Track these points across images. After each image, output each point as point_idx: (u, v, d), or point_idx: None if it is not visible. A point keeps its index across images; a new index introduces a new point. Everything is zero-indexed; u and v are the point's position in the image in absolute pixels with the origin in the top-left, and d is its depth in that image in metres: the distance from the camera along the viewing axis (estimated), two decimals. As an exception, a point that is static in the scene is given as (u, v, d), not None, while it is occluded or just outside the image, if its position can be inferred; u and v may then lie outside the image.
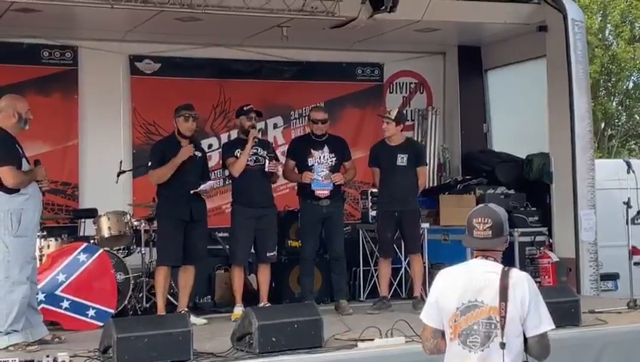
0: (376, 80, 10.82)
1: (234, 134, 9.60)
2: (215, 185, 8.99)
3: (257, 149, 7.92)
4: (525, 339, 3.67)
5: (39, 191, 6.49)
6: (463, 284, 3.69)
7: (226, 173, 8.31)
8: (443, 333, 3.76)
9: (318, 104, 9.66)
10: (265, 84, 10.18)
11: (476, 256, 3.78)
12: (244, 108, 8.03)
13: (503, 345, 3.58)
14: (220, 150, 8.86)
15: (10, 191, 6.24)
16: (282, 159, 8.67)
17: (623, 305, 7.62)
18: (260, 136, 8.79)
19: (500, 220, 3.75)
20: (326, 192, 8.05)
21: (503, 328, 3.58)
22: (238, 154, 7.84)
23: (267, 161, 7.85)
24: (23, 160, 6.41)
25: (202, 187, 7.56)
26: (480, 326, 3.63)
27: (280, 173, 8.23)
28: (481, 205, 3.89)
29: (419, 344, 6.16)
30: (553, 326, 3.71)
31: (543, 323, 3.67)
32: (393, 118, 8.21)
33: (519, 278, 3.67)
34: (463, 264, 3.82)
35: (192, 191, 7.48)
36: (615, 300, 8.02)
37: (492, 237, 3.72)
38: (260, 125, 9.72)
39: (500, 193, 9.76)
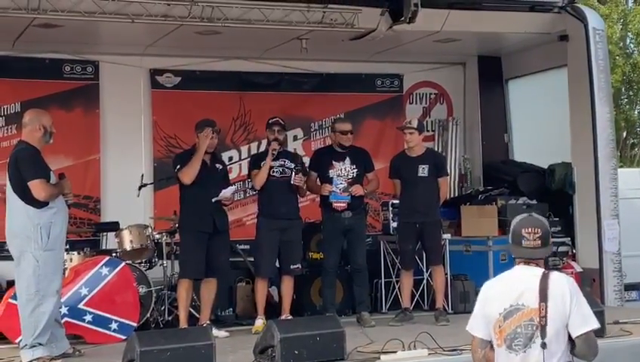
0: (396, 91, 10.80)
1: (254, 146, 9.64)
2: (236, 193, 8.96)
3: (285, 161, 7.93)
4: (572, 340, 3.69)
5: (65, 205, 6.55)
6: (505, 290, 3.78)
7: (248, 184, 8.32)
8: (491, 343, 3.80)
9: (339, 115, 9.66)
10: (285, 96, 10.20)
11: (519, 263, 3.85)
12: (270, 122, 8.05)
13: (544, 345, 3.63)
14: (243, 162, 8.87)
15: (40, 205, 6.29)
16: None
17: (646, 315, 7.55)
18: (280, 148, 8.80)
19: (547, 230, 3.86)
20: (343, 205, 8.03)
21: (543, 328, 3.64)
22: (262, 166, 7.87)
23: (294, 174, 7.84)
24: (51, 173, 6.48)
25: (223, 193, 7.56)
26: (523, 329, 3.69)
27: (305, 189, 8.22)
28: (524, 215, 3.94)
29: (442, 356, 6.20)
30: (598, 325, 3.76)
31: (587, 322, 3.70)
32: (416, 126, 8.18)
33: (558, 279, 3.73)
34: (506, 272, 3.89)
35: (213, 199, 7.48)
36: (638, 310, 7.94)
37: (541, 246, 3.81)
38: (281, 137, 9.72)
39: (522, 203, 9.72)
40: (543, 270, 3.76)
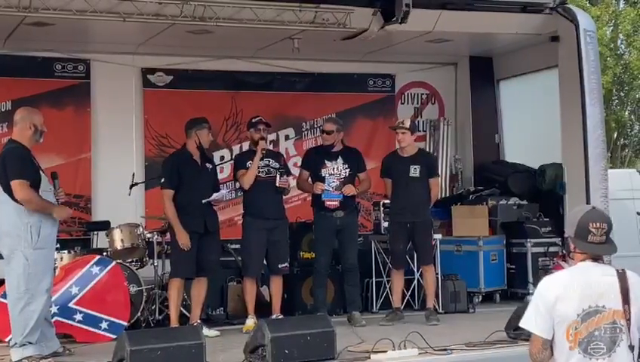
0: (388, 91, 10.82)
1: (246, 146, 9.62)
2: (227, 195, 8.99)
3: (269, 161, 7.94)
4: None
5: (57, 204, 6.53)
6: (581, 290, 3.58)
7: (237, 185, 8.34)
8: (551, 344, 3.63)
9: (330, 115, 9.67)
10: (276, 96, 10.21)
11: (584, 260, 3.68)
12: (253, 121, 8.06)
13: (632, 348, 3.55)
14: (232, 162, 8.88)
15: None
16: (294, 170, 8.69)
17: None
18: (270, 147, 8.81)
19: (612, 224, 3.69)
20: (336, 203, 8.05)
21: (629, 331, 3.54)
22: (249, 166, 7.86)
23: (278, 177, 7.86)
24: (40, 172, 6.44)
25: (214, 196, 7.58)
26: (602, 332, 3.55)
27: (291, 186, 8.24)
28: (587, 207, 3.76)
29: (432, 355, 6.22)
30: None
31: None
32: (408, 126, 8.20)
33: (636, 280, 3.64)
34: (573, 268, 3.71)
35: (203, 201, 7.50)
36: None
37: (605, 242, 3.66)
38: (272, 137, 9.75)
39: (513, 204, 9.76)
40: (616, 269, 3.62)
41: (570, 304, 3.57)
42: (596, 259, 3.67)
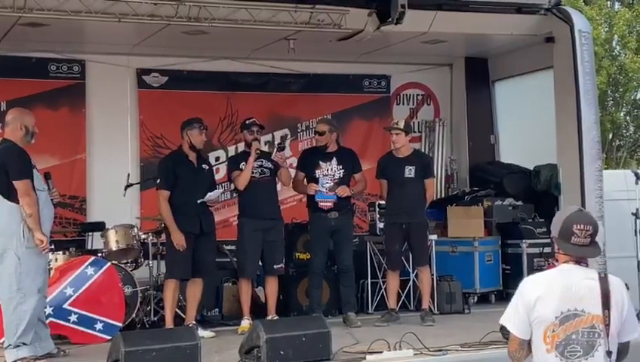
0: (383, 92, 10.82)
1: (241, 147, 9.61)
2: (222, 195, 8.99)
3: (262, 161, 7.95)
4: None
5: (51, 203, 6.53)
6: (561, 293, 3.56)
7: (232, 186, 8.33)
8: (529, 344, 3.63)
9: (325, 116, 9.68)
10: (272, 97, 10.20)
11: (567, 261, 3.65)
12: (247, 122, 8.06)
13: (609, 354, 3.54)
14: (227, 163, 8.88)
15: None
16: (290, 171, 8.67)
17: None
18: (267, 148, 8.81)
19: (597, 227, 3.65)
20: (329, 204, 8.06)
21: (608, 336, 3.52)
22: (243, 167, 7.86)
23: (275, 151, 7.86)
24: (34, 171, 6.43)
25: (209, 195, 7.58)
26: (580, 336, 3.54)
27: (288, 157, 8.24)
28: (574, 208, 3.73)
29: (427, 356, 6.22)
30: None
31: (636, 328, 3.65)
32: (402, 128, 8.21)
33: (618, 285, 3.62)
34: (554, 270, 3.69)
35: (198, 201, 7.50)
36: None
37: (589, 245, 3.63)
38: (267, 138, 9.75)
39: (508, 204, 9.76)
40: (598, 272, 3.59)
41: (548, 306, 3.56)
42: (579, 261, 3.64)
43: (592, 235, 3.62)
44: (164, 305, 7.62)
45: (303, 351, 5.95)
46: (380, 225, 8.79)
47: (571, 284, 3.58)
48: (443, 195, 10.59)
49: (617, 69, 22.81)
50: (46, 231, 6.39)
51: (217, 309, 8.59)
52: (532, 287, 3.64)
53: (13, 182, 6.21)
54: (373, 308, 8.83)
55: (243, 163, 7.90)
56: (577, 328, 3.54)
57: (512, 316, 3.65)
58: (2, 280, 6.29)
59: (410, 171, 8.15)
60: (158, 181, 7.61)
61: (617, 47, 23.65)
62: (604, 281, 3.57)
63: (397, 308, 8.31)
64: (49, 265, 7.46)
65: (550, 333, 3.55)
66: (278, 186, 8.35)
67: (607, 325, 3.52)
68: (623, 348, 3.65)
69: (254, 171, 7.86)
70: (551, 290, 3.58)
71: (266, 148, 8.85)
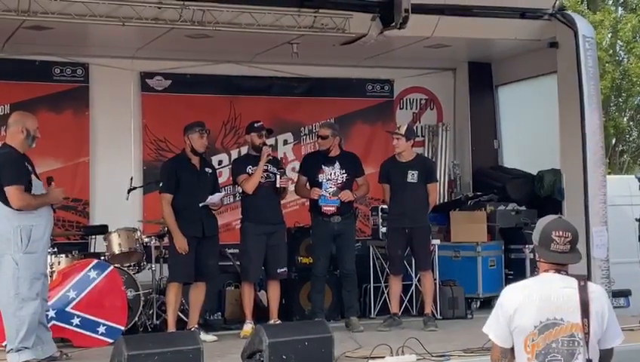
0: (387, 96, 10.82)
1: (244, 150, 9.61)
2: (224, 198, 8.99)
3: (267, 166, 7.93)
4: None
5: (50, 208, 6.51)
6: (540, 302, 3.57)
7: (237, 189, 8.33)
8: (512, 352, 3.63)
9: (327, 120, 9.67)
10: (275, 101, 10.20)
11: (547, 270, 3.66)
12: (255, 125, 8.04)
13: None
14: (230, 166, 8.87)
15: None
16: (292, 175, 8.69)
17: (635, 323, 7.56)
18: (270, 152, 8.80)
19: (577, 234, 3.67)
20: (332, 209, 8.05)
21: (587, 344, 3.51)
22: (250, 171, 7.85)
23: (278, 177, 7.86)
24: (33, 177, 6.41)
25: (210, 199, 7.57)
26: (560, 344, 3.54)
27: (291, 188, 8.25)
28: (553, 217, 3.74)
29: (430, 361, 6.20)
30: (623, 338, 3.68)
31: (619, 336, 3.65)
32: (403, 133, 8.21)
33: (598, 293, 3.62)
34: (534, 279, 3.71)
35: (200, 204, 7.49)
36: (627, 317, 7.95)
37: (569, 251, 3.64)
38: (270, 141, 9.73)
39: (511, 209, 9.74)
40: (578, 281, 3.59)
41: (527, 316, 3.57)
42: (559, 270, 3.64)
43: (572, 242, 3.64)
44: (167, 308, 7.62)
45: (305, 356, 5.93)
46: (383, 229, 8.78)
47: (550, 293, 3.59)
48: (446, 200, 10.58)
49: (621, 74, 22.78)
50: (43, 236, 6.37)
51: (220, 313, 8.59)
52: (511, 297, 3.66)
53: (5, 188, 6.19)
54: (376, 312, 8.82)
55: (250, 166, 7.88)
56: (557, 337, 3.54)
57: (494, 325, 3.68)
58: (0, 285, 6.28)
59: (413, 176, 8.15)
60: (161, 184, 7.61)
61: (621, 52, 23.61)
62: (583, 290, 3.57)
63: (399, 313, 8.29)
64: (52, 268, 7.49)
65: (530, 342, 3.56)
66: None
67: (587, 333, 3.51)
68: (607, 355, 3.64)
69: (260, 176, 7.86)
70: (530, 300, 3.60)
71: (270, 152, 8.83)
